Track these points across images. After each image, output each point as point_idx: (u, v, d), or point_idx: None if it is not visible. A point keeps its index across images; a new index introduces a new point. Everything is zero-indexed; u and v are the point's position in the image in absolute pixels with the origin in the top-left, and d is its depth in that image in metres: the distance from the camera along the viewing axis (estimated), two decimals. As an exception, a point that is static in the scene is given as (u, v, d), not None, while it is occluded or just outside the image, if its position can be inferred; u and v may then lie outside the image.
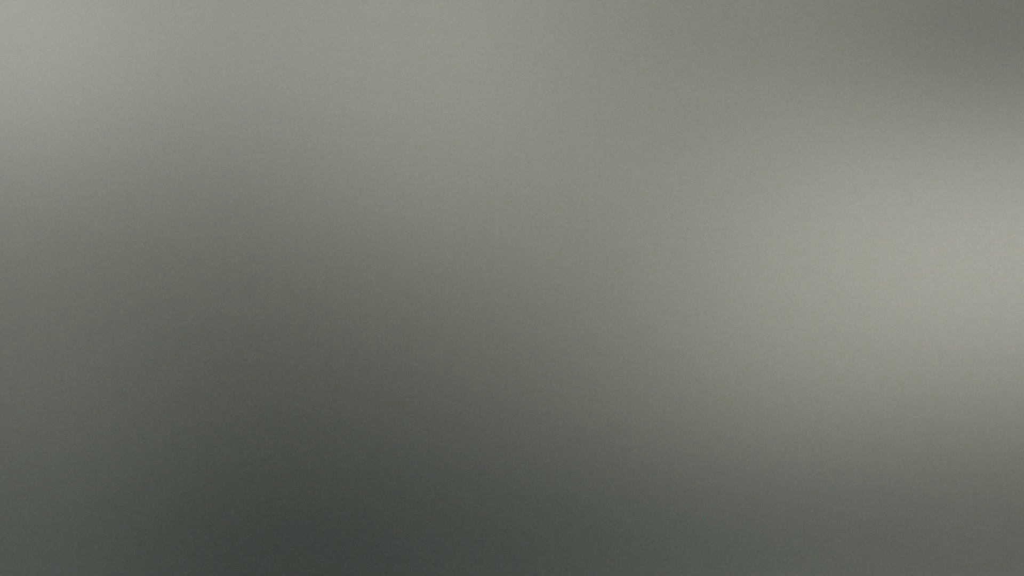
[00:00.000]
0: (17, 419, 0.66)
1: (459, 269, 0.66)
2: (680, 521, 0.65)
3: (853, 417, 0.65)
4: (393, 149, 0.66)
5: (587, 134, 0.66)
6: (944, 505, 0.65)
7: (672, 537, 0.65)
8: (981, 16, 0.65)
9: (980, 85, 0.65)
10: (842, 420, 0.65)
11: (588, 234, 0.66)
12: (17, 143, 0.66)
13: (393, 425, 0.66)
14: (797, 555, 0.65)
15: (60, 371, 0.66)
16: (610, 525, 0.66)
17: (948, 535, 0.65)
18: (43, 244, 0.66)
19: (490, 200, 0.66)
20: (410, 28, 0.66)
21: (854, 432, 0.65)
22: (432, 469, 0.66)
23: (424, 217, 0.66)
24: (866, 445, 0.65)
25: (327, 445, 0.66)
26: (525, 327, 0.65)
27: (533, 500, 0.66)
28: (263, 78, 0.66)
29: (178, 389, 0.66)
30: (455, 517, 0.66)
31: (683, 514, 0.65)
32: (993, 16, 0.65)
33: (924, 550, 0.65)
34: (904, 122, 0.65)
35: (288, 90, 0.66)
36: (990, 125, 0.65)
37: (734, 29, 0.65)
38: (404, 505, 0.66)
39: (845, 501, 0.65)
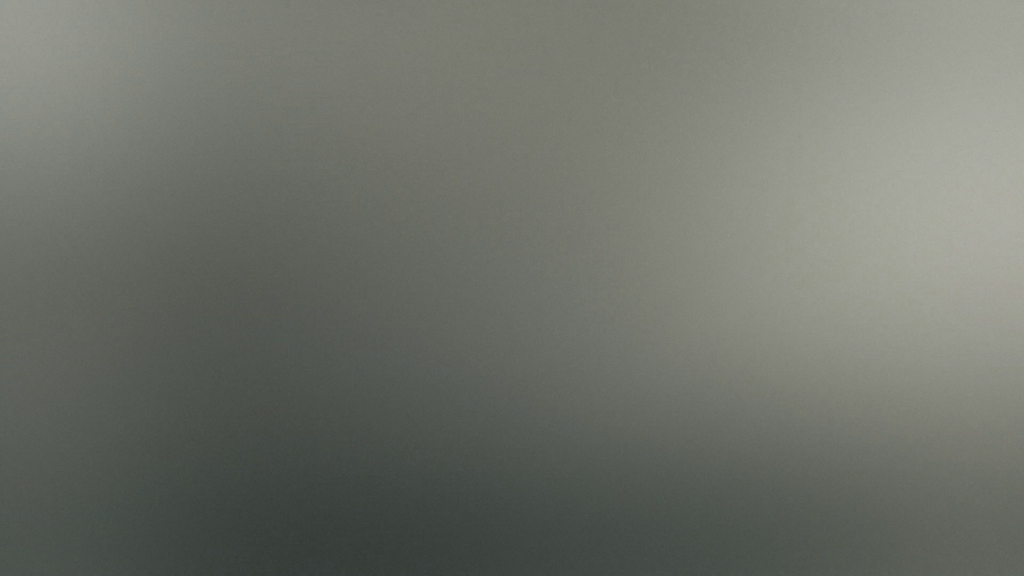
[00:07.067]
0: (17, 419, 0.66)
1: (456, 269, 0.66)
2: (680, 518, 0.65)
3: (854, 413, 0.65)
4: (392, 149, 0.66)
5: (587, 131, 0.66)
6: (947, 503, 0.65)
7: (673, 536, 0.66)
8: (980, 14, 0.65)
9: (979, 80, 0.65)
10: (842, 417, 0.65)
11: (589, 230, 0.66)
12: (16, 143, 0.66)
13: (395, 422, 0.66)
14: (797, 555, 0.65)
15: (59, 371, 0.66)
16: (609, 521, 0.66)
17: (951, 534, 0.65)
18: (42, 244, 0.66)
19: (488, 199, 0.66)
20: (409, 21, 0.66)
21: (854, 429, 0.65)
22: (432, 465, 0.66)
23: (422, 216, 0.66)
24: (865, 441, 0.65)
25: (329, 443, 0.66)
26: (525, 326, 0.65)
27: (532, 493, 0.66)
28: (262, 77, 0.66)
29: (178, 389, 0.66)
30: (453, 506, 0.66)
31: (684, 511, 0.65)
32: (992, 13, 0.65)
33: (926, 549, 0.65)
34: (906, 109, 0.65)
35: (288, 91, 0.66)
36: (990, 118, 0.65)
37: (738, 13, 0.65)
38: (403, 497, 0.66)
39: (846, 499, 0.65)
